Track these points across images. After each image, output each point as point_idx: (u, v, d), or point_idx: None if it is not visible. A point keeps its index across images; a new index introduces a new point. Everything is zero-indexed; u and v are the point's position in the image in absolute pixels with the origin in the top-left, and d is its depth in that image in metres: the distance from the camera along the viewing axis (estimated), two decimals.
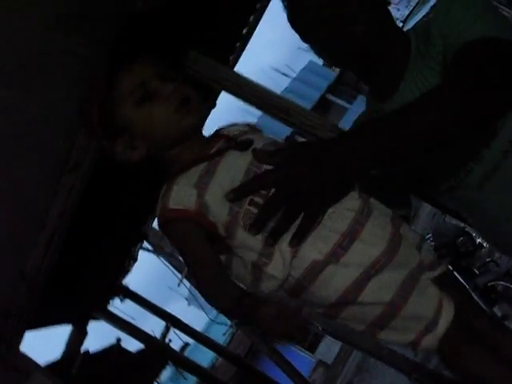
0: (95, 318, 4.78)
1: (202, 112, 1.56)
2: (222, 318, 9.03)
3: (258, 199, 1.40)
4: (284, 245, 1.39)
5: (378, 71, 1.68)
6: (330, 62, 1.79)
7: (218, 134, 1.58)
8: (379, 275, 1.41)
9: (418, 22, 1.75)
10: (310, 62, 24.00)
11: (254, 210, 1.40)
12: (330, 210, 1.41)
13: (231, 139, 1.52)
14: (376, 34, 1.59)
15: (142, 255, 5.02)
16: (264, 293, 1.45)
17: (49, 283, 3.13)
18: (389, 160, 1.44)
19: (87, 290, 4.21)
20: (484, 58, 1.41)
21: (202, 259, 1.45)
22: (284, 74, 26.17)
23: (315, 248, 1.40)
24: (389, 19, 1.65)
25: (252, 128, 1.61)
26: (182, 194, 1.42)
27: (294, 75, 24.68)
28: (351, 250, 1.40)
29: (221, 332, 13.86)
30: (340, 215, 1.42)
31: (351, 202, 1.44)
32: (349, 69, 1.75)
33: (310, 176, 1.33)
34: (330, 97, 23.07)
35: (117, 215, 3.67)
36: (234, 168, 1.45)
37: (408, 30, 1.70)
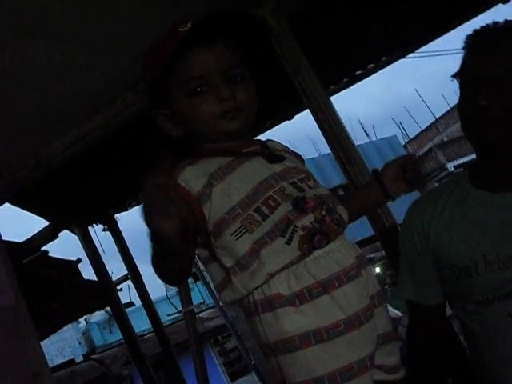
0: (72, 231, 4.78)
1: (248, 122, 1.52)
2: (176, 300, 8.98)
3: (264, 209, 1.39)
4: (268, 266, 1.36)
5: None
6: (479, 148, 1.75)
7: (261, 141, 1.59)
8: (330, 342, 1.35)
9: None
10: (394, 137, 24.24)
11: (258, 218, 1.38)
12: (318, 253, 1.39)
13: (267, 148, 1.53)
14: None
15: None
16: (224, 301, 1.46)
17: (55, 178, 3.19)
18: None
19: (81, 200, 4.23)
20: None
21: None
22: (365, 133, 26.43)
23: (286, 281, 1.37)
24: None
25: (298, 157, 1.62)
26: (191, 176, 1.42)
27: (373, 139, 24.88)
28: (317, 301, 1.36)
29: (168, 311, 13.85)
30: (326, 263, 1.39)
31: (344, 258, 1.42)
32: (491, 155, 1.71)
33: None
34: None
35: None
36: (253, 173, 1.45)
37: None
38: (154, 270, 1.40)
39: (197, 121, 1.47)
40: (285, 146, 1.64)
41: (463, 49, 1.69)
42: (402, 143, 29.31)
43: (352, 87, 4.02)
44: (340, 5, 2.96)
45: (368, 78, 4.01)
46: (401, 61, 4.11)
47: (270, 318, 1.37)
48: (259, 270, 1.37)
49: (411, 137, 30.84)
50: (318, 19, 2.92)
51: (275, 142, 1.63)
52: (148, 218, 1.20)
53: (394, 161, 1.72)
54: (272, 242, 1.37)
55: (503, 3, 3.41)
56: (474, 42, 1.67)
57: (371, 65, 3.81)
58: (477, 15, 3.39)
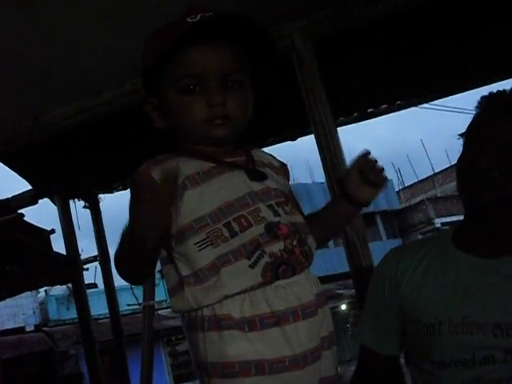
0: (53, 201, 4.75)
1: (236, 132, 1.46)
2: (139, 291, 8.94)
3: (235, 225, 1.34)
4: (226, 287, 1.31)
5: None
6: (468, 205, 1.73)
7: (248, 149, 1.53)
8: (270, 376, 1.29)
9: None
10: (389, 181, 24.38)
11: (226, 233, 1.33)
12: (279, 283, 1.33)
13: (251, 160, 1.48)
14: None
15: None
16: (172, 307, 1.42)
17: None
18: None
19: (68, 172, 4.22)
20: None
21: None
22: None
23: (240, 305, 1.31)
24: None
25: (283, 168, 1.58)
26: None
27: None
28: (267, 332, 1.31)
29: (129, 301, 13.78)
30: (286, 295, 1.34)
31: (304, 293, 1.37)
32: (482, 216, 1.69)
33: None
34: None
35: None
36: (231, 187, 1.39)
37: None
38: (116, 264, 1.37)
39: (183, 119, 1.42)
40: (272, 157, 1.59)
41: (475, 109, 1.69)
42: (396, 189, 29.49)
43: (359, 123, 4.04)
44: (369, 40, 2.97)
45: (377, 118, 4.03)
46: (413, 108, 4.15)
47: (215, 337, 1.32)
48: (215, 287, 1.31)
49: (406, 184, 31.07)
50: (342, 48, 2.92)
51: (262, 152, 1.58)
52: (141, 208, 1.19)
53: (351, 167, 1.60)
54: (235, 261, 1.32)
55: None
56: (486, 105, 1.68)
57: (384, 105, 3.82)
58: (500, 81, 3.42)
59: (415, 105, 4.06)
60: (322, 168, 2.72)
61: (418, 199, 27.67)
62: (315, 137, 2.71)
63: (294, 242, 1.38)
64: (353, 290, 2.92)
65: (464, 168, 1.67)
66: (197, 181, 1.36)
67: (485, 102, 1.69)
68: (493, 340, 1.55)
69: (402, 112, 4.00)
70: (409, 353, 1.78)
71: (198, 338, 1.35)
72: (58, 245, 5.14)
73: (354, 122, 3.98)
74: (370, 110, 3.85)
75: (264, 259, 1.33)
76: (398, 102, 3.81)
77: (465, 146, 1.69)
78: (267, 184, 1.44)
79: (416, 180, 30.82)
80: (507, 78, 3.46)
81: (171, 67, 1.39)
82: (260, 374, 1.30)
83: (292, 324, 1.32)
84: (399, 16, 2.76)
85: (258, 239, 1.34)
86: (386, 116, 4.02)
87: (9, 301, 13.36)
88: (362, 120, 3.97)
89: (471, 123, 1.70)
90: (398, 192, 29.50)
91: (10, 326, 16.61)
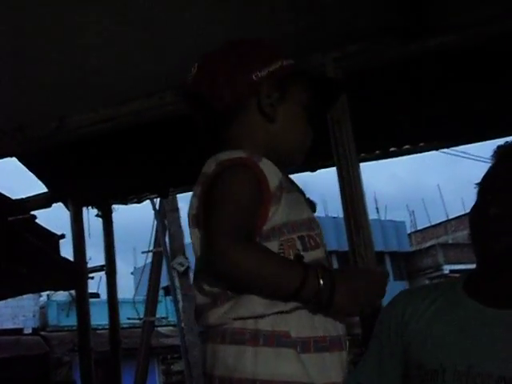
0: (67, 206, 4.76)
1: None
2: (141, 306, 8.89)
3: (307, 241, 1.35)
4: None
5: None
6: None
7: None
8: None
9: None
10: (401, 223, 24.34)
11: (299, 246, 1.33)
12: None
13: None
14: None
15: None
16: (218, 315, 1.34)
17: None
18: None
19: (86, 179, 4.23)
20: None
21: (246, 210, 1.30)
22: (377, 209, 26.59)
23: (296, 323, 1.29)
24: None
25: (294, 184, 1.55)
26: (269, 170, 1.35)
27: (382, 218, 25.07)
28: (320, 355, 1.29)
29: (130, 314, 13.71)
30: (333, 321, 1.33)
31: (344, 325, 1.37)
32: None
33: None
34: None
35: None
36: (303, 206, 1.43)
37: None
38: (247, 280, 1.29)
39: (295, 127, 1.48)
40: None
41: (491, 158, 1.70)
42: (408, 231, 29.38)
43: (379, 161, 4.02)
44: (399, 78, 2.97)
45: (397, 158, 4.02)
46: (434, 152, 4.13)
47: (271, 353, 1.27)
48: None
49: (419, 228, 30.97)
50: (373, 83, 2.92)
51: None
52: (247, 193, 1.28)
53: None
54: None
55: None
56: (501, 154, 1.68)
57: (407, 146, 3.81)
58: None
59: (437, 148, 4.04)
60: (335, 202, 2.72)
61: (428, 244, 27.55)
62: (337, 169, 2.70)
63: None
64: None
65: (476, 216, 1.67)
66: (285, 186, 1.38)
67: (500, 152, 1.69)
68: None
69: (421, 154, 3.98)
70: None
71: (244, 352, 1.29)
72: (67, 250, 5.14)
73: (375, 160, 3.96)
74: (392, 149, 3.84)
75: None
76: (421, 144, 3.79)
77: (478, 194, 1.69)
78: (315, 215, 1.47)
79: (429, 224, 30.70)
80: None
81: (303, 86, 1.48)
82: None
83: (339, 352, 1.33)
84: (432, 56, 2.77)
85: (321, 262, 1.35)
86: (406, 157, 4.02)
87: (10, 301, 13.38)
88: (383, 158, 3.96)
89: (486, 172, 1.69)
90: (409, 234, 29.38)
91: (8, 326, 16.59)
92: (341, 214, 2.75)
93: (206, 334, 1.36)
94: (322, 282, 1.23)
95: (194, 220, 1.38)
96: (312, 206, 1.48)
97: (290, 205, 1.36)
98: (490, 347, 1.57)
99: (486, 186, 1.67)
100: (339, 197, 2.69)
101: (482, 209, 1.64)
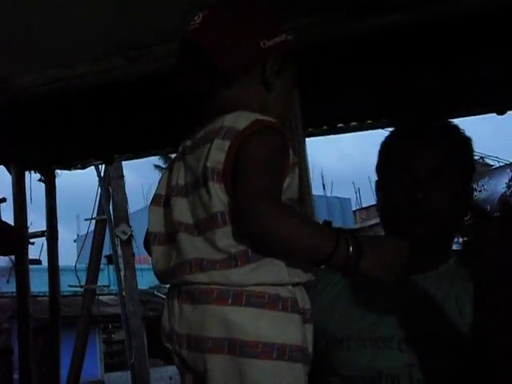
0: (8, 169, 4.67)
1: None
2: (83, 273, 8.85)
3: None
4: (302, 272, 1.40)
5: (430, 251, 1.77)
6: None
7: None
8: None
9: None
10: (347, 200, 24.58)
11: None
12: None
13: None
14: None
15: None
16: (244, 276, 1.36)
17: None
18: None
19: (30, 142, 4.16)
20: None
21: (280, 177, 1.38)
22: (323, 186, 26.73)
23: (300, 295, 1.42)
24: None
25: None
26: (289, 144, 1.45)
27: (328, 195, 25.23)
28: (306, 325, 1.41)
29: (71, 282, 13.61)
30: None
31: None
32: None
33: None
34: None
35: None
36: None
37: None
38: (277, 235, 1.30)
39: (284, 103, 1.55)
40: None
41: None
42: (353, 208, 29.82)
43: (327, 137, 4.05)
44: (353, 54, 2.99)
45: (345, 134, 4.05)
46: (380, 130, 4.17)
47: (285, 317, 1.35)
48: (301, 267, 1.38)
49: (364, 205, 31.44)
50: (324, 58, 2.91)
51: None
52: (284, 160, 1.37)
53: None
54: None
55: (498, 114, 3.48)
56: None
57: (354, 123, 3.84)
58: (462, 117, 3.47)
59: (383, 127, 4.08)
60: None
61: (373, 221, 27.99)
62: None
63: None
64: None
65: (400, 200, 1.76)
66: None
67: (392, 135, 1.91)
68: (398, 355, 1.60)
69: (370, 132, 4.01)
70: (316, 371, 1.80)
71: (262, 315, 1.33)
72: (7, 215, 5.07)
73: (322, 135, 3.99)
74: (339, 125, 3.86)
75: None
76: (368, 122, 3.83)
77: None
78: None
79: (374, 202, 31.18)
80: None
81: (294, 64, 1.56)
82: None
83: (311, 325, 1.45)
84: (387, 33, 2.79)
85: None
86: (355, 134, 4.05)
87: None
88: (330, 134, 3.98)
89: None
90: (354, 212, 29.83)
91: None
92: None
93: (199, 292, 1.37)
94: (351, 248, 1.27)
95: (220, 175, 1.37)
96: None
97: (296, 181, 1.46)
98: (393, 311, 1.68)
99: (399, 166, 1.78)
100: None
101: (385, 199, 1.79)
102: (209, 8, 1.50)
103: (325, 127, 3.87)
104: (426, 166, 1.70)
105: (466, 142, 1.83)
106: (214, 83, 1.48)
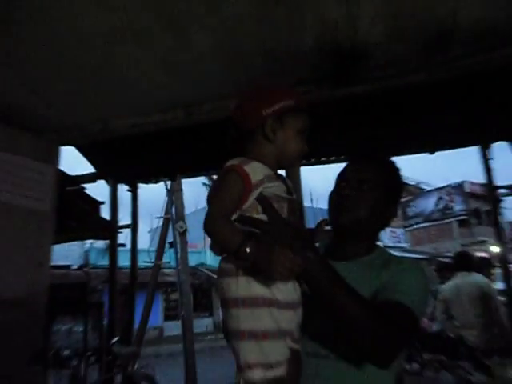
0: (108, 182, 4.71)
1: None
2: (153, 254, 8.83)
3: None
4: None
5: (355, 241, 1.68)
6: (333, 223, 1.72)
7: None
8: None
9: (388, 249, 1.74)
10: None
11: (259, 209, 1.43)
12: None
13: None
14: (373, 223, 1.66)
15: None
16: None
17: None
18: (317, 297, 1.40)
19: (124, 164, 4.16)
20: (397, 316, 1.41)
21: (228, 200, 1.39)
22: (311, 200, 26.12)
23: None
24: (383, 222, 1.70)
25: (282, 179, 1.59)
26: (256, 170, 1.43)
27: (314, 206, 24.95)
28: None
29: (145, 259, 13.59)
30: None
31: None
32: (339, 230, 1.70)
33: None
34: None
35: None
36: (275, 187, 1.48)
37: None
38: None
39: (287, 149, 1.52)
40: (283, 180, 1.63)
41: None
42: None
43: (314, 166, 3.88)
44: (332, 114, 2.90)
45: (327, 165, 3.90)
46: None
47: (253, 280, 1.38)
48: None
49: None
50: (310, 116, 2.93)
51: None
52: (229, 193, 1.38)
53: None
54: None
55: (430, 153, 3.45)
56: (350, 159, 1.75)
57: (324, 158, 3.77)
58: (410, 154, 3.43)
59: (341, 162, 3.89)
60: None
61: None
62: (286, 174, 2.64)
63: None
64: None
65: (333, 197, 1.71)
66: (268, 179, 1.46)
67: (350, 157, 1.77)
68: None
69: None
70: None
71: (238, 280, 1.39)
72: (105, 213, 5.13)
73: (311, 165, 3.86)
74: (322, 158, 3.77)
75: None
76: (332, 158, 3.76)
77: (336, 183, 1.74)
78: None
79: None
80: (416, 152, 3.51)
81: (298, 118, 1.52)
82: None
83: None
84: (358, 99, 2.74)
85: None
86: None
87: (64, 245, 13.15)
88: (318, 164, 3.83)
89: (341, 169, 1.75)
90: None
91: (61, 263, 16.36)
92: None
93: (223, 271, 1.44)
94: (248, 249, 1.31)
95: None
96: (289, 190, 1.54)
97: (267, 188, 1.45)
98: None
99: (340, 178, 1.71)
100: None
101: (336, 192, 1.69)
102: (243, 93, 1.58)
103: (312, 160, 3.84)
104: (357, 177, 1.65)
105: (394, 170, 1.73)
106: (239, 137, 1.55)
